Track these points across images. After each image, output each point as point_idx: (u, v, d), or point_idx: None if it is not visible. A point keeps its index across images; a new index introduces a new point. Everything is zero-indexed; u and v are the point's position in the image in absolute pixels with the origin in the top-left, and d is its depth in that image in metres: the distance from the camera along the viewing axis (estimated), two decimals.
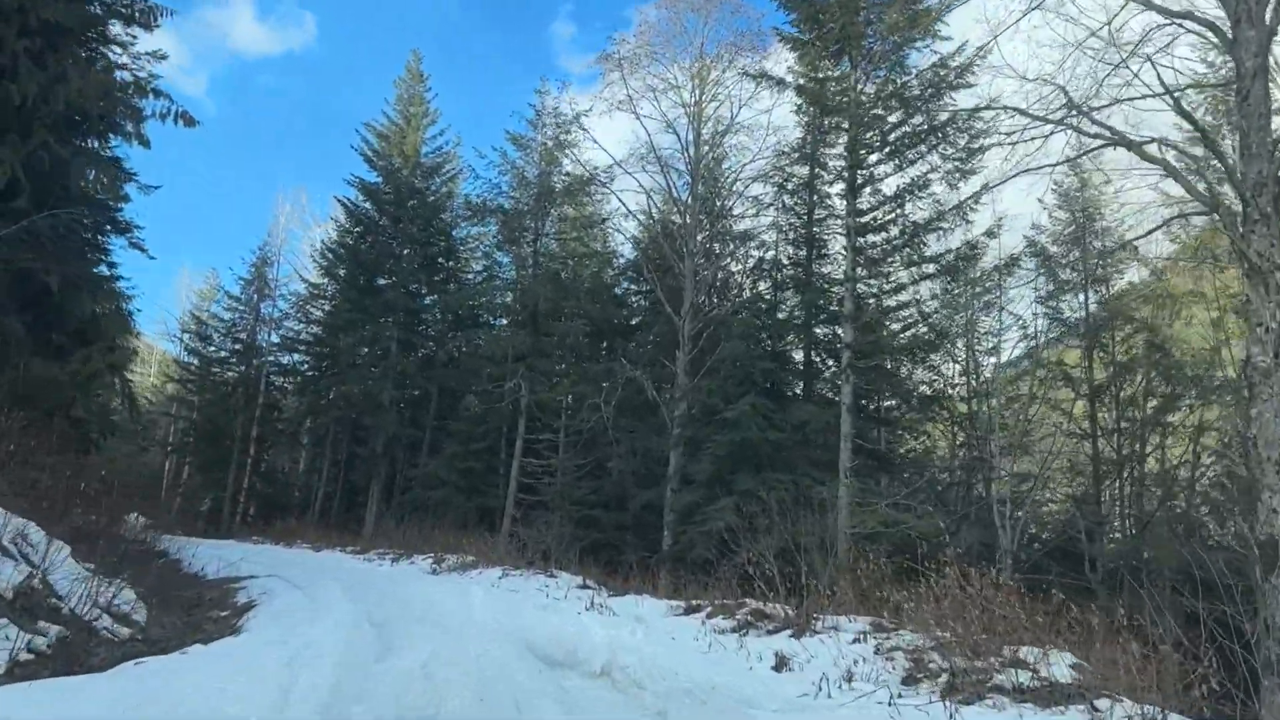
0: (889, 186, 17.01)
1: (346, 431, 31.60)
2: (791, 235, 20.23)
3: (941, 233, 16.52)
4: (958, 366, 20.22)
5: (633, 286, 28.31)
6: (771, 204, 20.25)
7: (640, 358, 22.36)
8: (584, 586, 15.95)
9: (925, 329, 17.16)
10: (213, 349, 38.12)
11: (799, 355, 20.90)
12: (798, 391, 19.96)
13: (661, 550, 19.58)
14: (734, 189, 21.11)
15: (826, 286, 19.34)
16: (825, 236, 20.01)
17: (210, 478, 39.44)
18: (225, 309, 38.46)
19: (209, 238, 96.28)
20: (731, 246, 22.26)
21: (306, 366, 35.51)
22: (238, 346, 38.04)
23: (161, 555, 18.87)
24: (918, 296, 16.60)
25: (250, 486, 36.26)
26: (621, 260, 27.87)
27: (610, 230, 26.90)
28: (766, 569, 13.07)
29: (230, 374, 38.32)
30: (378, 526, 26.65)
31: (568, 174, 26.06)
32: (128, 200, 14.86)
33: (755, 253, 20.92)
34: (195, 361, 37.83)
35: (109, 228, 14.97)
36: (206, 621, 9.29)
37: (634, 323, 27.46)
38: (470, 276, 31.90)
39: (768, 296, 19.90)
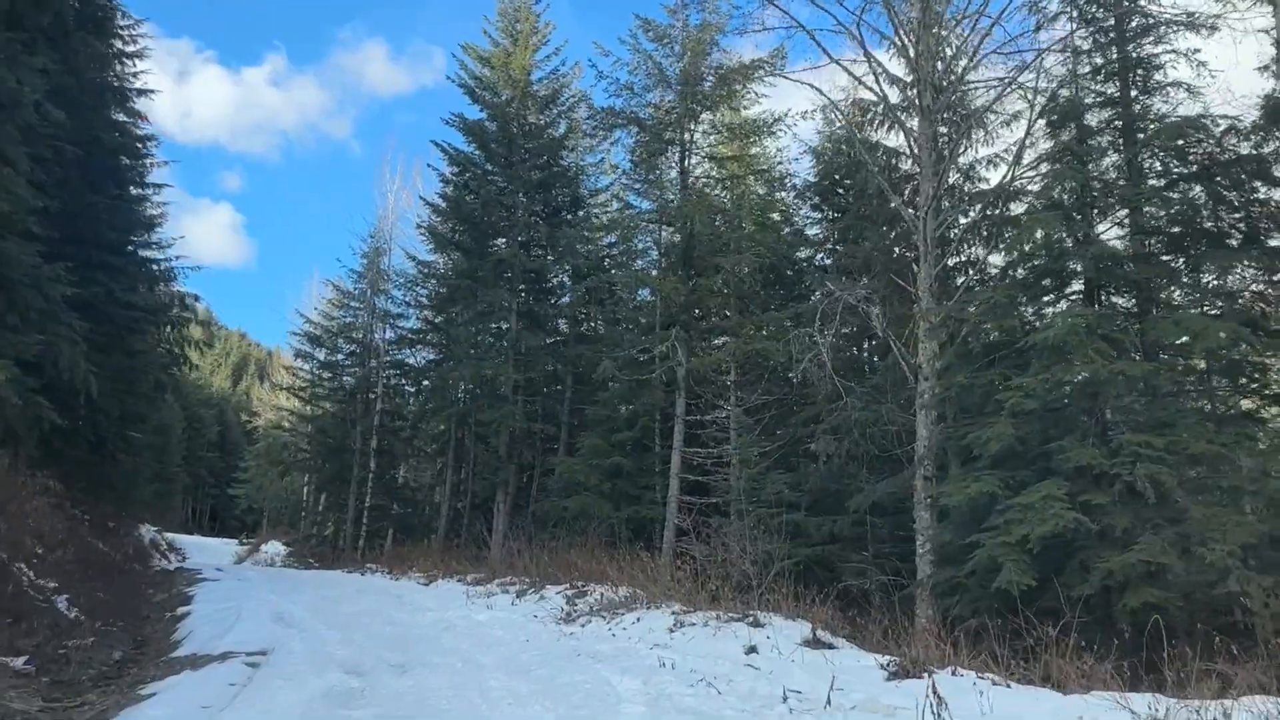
0: None
1: (469, 432, 25.96)
2: (1101, 62, 12.53)
3: None
4: None
5: (813, 215, 21.18)
6: (1062, 11, 12.67)
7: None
8: (815, 643, 9.25)
9: None
10: (326, 352, 33.77)
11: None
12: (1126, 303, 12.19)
13: (921, 574, 12.32)
14: (983, 12, 13.62)
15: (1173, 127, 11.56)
16: (1158, 58, 12.24)
17: (333, 498, 35.14)
18: (337, 306, 34.05)
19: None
20: (968, 116, 14.70)
21: (421, 360, 30.37)
22: (353, 347, 33.49)
23: (175, 605, 13.40)
24: None
25: (373, 505, 31.36)
26: (798, 181, 20.77)
27: (785, 135, 19.77)
28: None
29: (347, 378, 33.84)
30: (505, 548, 20.59)
31: (720, 67, 19.32)
32: None
33: (1028, 100, 13.25)
34: (307, 367, 33.56)
35: None
36: None
37: (824, 261, 20.29)
38: (601, 233, 25.69)
39: (1074, 147, 12.16)
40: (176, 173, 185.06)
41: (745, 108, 20.01)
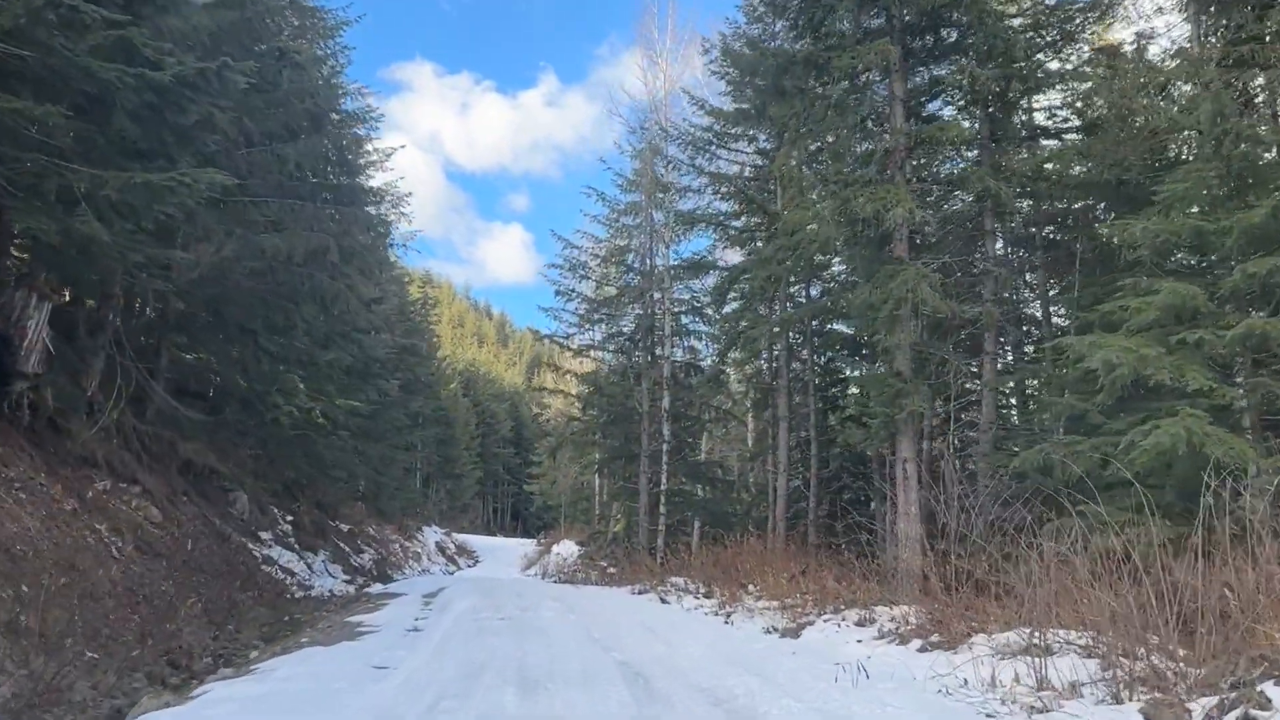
0: None
1: (811, 357, 15.51)
2: None
3: None
4: None
5: None
6: None
7: None
8: None
9: None
10: (594, 285, 25.15)
11: None
12: None
13: None
14: None
15: None
16: None
17: (619, 482, 26.33)
18: (603, 224, 25.11)
19: None
20: None
21: (721, 261, 20.43)
22: (633, 279, 24.40)
23: None
24: None
25: (672, 490, 21.97)
26: None
27: None
28: None
29: (625, 322, 24.93)
30: (926, 551, 9.61)
31: None
32: None
33: None
34: (571, 307, 24.95)
35: None
36: None
37: None
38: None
39: None
40: (470, 201, 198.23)
41: None
